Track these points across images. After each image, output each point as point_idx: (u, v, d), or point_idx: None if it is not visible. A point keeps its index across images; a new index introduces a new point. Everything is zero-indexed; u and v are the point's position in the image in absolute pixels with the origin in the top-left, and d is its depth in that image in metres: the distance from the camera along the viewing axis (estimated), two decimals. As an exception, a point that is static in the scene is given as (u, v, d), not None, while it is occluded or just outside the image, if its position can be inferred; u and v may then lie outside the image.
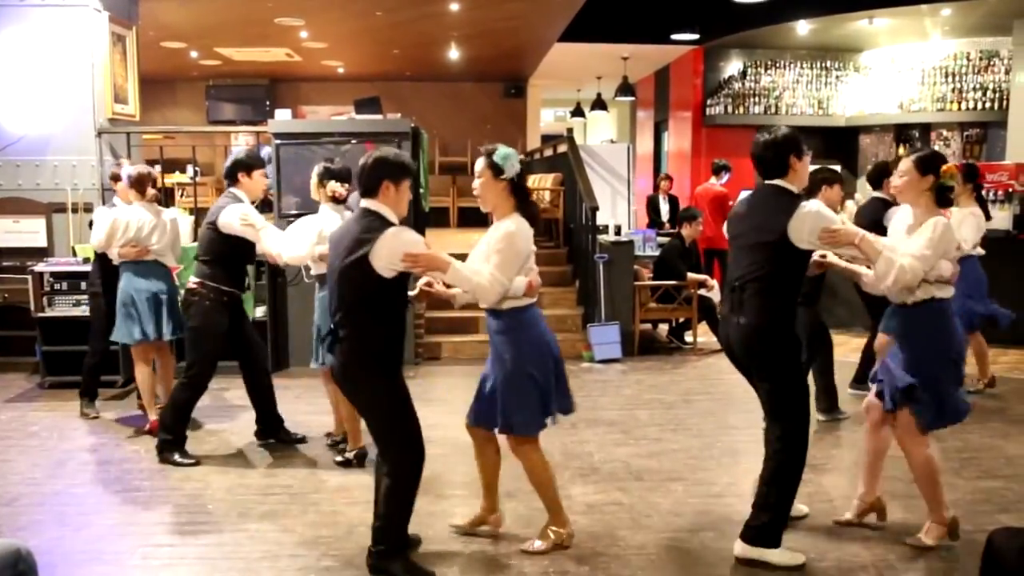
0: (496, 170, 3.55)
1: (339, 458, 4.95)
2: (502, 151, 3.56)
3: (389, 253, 3.31)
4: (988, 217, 6.36)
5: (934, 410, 3.64)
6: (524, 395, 3.60)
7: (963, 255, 5.38)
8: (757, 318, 3.53)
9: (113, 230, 5.41)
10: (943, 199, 3.65)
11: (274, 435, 5.33)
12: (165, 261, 5.58)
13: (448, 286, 3.66)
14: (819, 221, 3.43)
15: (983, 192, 6.79)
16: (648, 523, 4.10)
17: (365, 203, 3.46)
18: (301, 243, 4.90)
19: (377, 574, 3.51)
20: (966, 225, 5.90)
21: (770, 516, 3.58)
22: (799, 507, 4.06)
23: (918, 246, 3.52)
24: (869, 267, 3.68)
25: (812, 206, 3.49)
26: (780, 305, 3.56)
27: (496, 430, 3.73)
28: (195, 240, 7.37)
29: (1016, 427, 5.64)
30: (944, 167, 3.62)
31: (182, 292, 5.25)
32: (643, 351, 7.97)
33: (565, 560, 3.69)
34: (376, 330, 3.41)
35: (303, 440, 5.31)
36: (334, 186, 4.97)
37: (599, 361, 7.62)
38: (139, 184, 5.47)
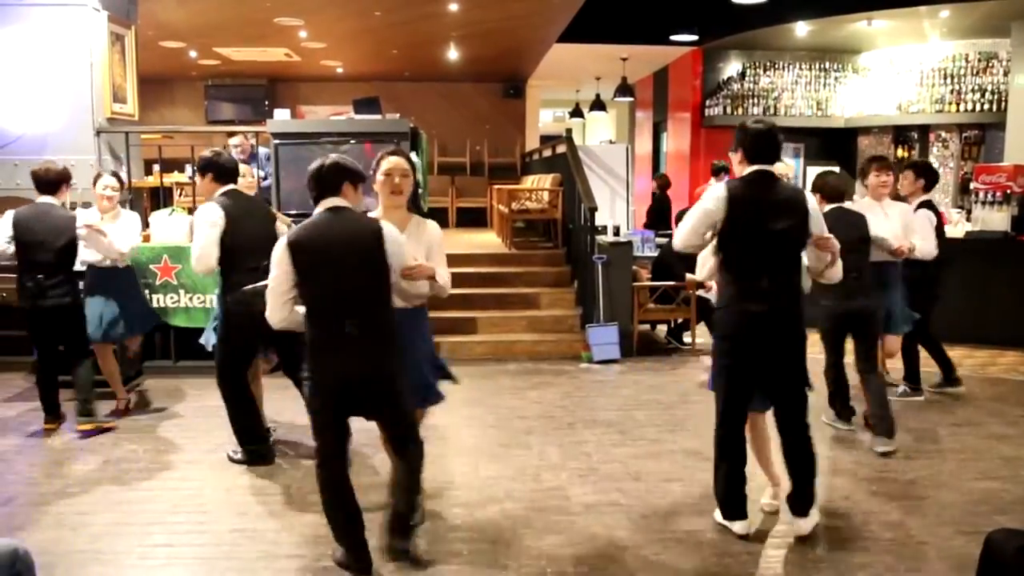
0: (414, 168, 3.83)
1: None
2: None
3: (397, 249, 3.61)
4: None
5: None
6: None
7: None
8: None
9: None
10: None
11: None
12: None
13: (432, 277, 3.82)
14: None
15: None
16: (646, 524, 4.10)
17: (335, 201, 3.63)
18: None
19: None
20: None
21: None
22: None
23: None
24: None
25: None
26: None
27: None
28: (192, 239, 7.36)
29: (1013, 428, 5.64)
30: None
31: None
32: (641, 352, 7.97)
33: (563, 561, 3.69)
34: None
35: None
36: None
37: (597, 362, 7.62)
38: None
